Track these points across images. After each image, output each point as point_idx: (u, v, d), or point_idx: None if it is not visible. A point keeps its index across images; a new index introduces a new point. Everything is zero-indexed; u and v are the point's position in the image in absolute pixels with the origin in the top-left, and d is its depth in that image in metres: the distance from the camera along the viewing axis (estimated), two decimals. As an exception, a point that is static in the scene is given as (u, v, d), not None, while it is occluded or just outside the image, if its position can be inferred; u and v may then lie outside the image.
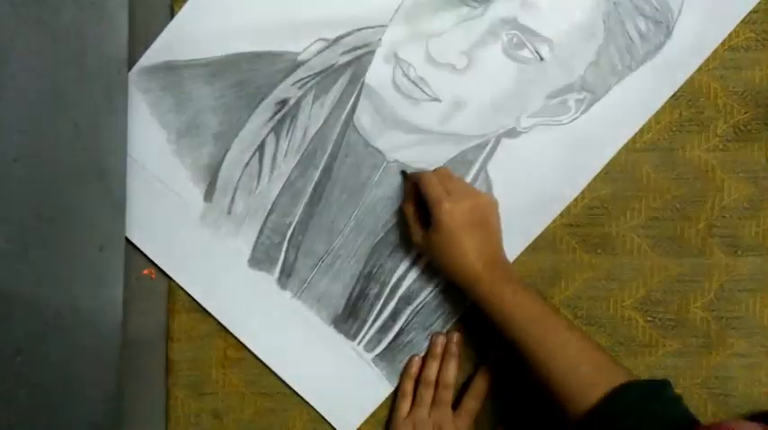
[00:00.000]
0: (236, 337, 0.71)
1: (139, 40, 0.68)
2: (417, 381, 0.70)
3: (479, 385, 0.69)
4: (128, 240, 0.68)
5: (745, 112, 0.69)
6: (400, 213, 0.69)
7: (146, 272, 0.70)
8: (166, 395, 0.71)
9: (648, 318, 0.70)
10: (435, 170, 0.67)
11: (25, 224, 0.64)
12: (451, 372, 0.69)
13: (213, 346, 0.71)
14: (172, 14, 0.69)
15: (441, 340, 0.70)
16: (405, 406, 0.69)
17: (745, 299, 0.70)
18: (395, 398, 0.71)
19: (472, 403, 0.69)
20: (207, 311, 0.71)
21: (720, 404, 0.71)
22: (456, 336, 0.70)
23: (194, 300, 0.70)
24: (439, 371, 0.69)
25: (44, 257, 0.64)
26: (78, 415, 0.65)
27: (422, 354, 0.71)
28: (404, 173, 0.69)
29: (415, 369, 0.70)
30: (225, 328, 0.71)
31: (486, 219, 0.65)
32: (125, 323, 0.67)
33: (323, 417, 0.71)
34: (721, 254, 0.70)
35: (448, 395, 0.69)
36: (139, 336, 0.70)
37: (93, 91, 0.65)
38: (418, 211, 0.66)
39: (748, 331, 0.70)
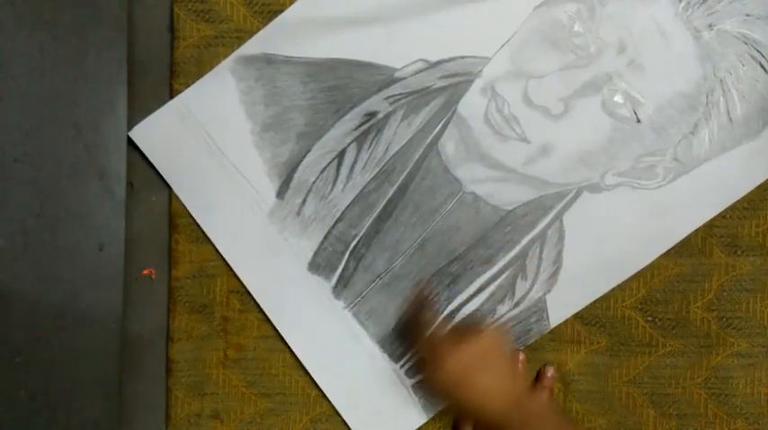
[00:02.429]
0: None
1: (139, 40, 0.68)
2: None
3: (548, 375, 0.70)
4: (126, 243, 0.68)
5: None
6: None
7: (146, 272, 0.70)
8: (166, 395, 0.71)
9: (648, 318, 0.70)
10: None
11: (25, 224, 0.64)
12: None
13: (213, 346, 0.71)
14: (172, 14, 0.69)
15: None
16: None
17: (745, 299, 0.70)
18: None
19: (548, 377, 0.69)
20: (205, 313, 0.71)
21: (720, 404, 0.71)
22: (521, 355, 0.69)
23: (195, 301, 0.70)
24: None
25: (44, 257, 0.64)
26: (78, 415, 0.65)
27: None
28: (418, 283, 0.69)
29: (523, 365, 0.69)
30: (225, 329, 0.71)
31: (486, 362, 0.64)
32: (125, 323, 0.67)
33: (327, 419, 0.71)
34: (721, 254, 0.70)
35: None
36: (139, 336, 0.70)
37: (93, 91, 0.65)
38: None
39: (748, 331, 0.70)
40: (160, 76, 0.69)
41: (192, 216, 0.70)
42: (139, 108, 0.69)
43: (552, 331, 0.70)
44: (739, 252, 0.70)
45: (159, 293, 0.71)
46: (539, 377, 0.70)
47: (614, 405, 0.71)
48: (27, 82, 0.63)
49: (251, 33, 0.69)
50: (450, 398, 0.64)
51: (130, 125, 0.68)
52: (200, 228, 0.70)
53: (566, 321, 0.70)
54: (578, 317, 0.70)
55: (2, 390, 0.64)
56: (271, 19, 0.68)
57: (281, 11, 0.68)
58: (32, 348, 0.64)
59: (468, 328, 0.66)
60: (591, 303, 0.70)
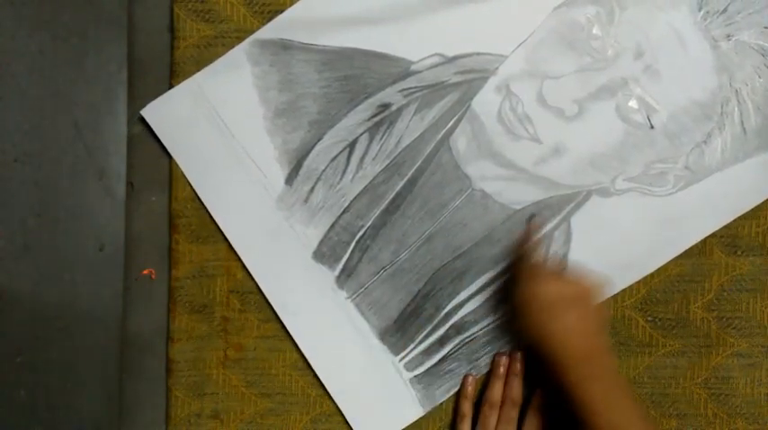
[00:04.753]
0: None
1: (139, 40, 0.68)
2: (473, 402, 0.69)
3: (539, 399, 0.68)
4: (127, 242, 0.68)
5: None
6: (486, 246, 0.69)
7: (146, 272, 0.70)
8: (166, 395, 0.71)
9: (648, 318, 0.70)
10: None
11: (25, 224, 0.64)
12: (518, 390, 0.68)
13: (213, 346, 0.71)
14: (172, 14, 0.69)
15: (504, 360, 0.69)
16: (466, 428, 0.69)
17: (745, 299, 0.70)
18: (454, 420, 0.70)
19: (536, 419, 0.68)
20: (205, 313, 0.71)
21: (720, 404, 0.71)
22: (519, 355, 0.69)
23: (195, 301, 0.70)
24: (505, 390, 0.68)
25: (44, 257, 0.64)
26: (78, 414, 0.65)
27: (470, 375, 0.70)
28: (532, 217, 0.68)
29: (470, 389, 0.69)
30: (225, 329, 0.71)
31: (579, 303, 0.63)
32: (125, 323, 0.68)
33: (327, 419, 0.71)
34: (721, 254, 0.70)
35: (515, 412, 0.68)
36: (139, 336, 0.70)
37: (93, 91, 0.65)
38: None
39: (748, 331, 0.70)
40: (160, 76, 0.69)
41: (192, 216, 0.70)
42: (139, 108, 0.69)
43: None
44: (739, 252, 0.70)
45: (159, 293, 0.71)
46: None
47: (614, 405, 0.71)
48: (27, 82, 0.63)
49: (251, 33, 0.69)
50: (537, 322, 0.62)
51: (131, 122, 0.68)
52: (201, 228, 0.70)
53: (566, 321, 0.70)
54: (578, 317, 0.70)
55: (2, 390, 0.64)
56: (271, 19, 0.69)
57: (282, 11, 0.68)
58: (32, 348, 0.64)
59: (575, 273, 0.66)
60: (591, 303, 0.70)
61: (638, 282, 0.70)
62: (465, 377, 0.69)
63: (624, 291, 0.70)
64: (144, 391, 0.71)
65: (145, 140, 0.69)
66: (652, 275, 0.70)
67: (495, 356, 0.69)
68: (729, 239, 0.69)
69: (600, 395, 0.60)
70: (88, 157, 0.65)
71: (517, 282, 0.64)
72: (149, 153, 0.70)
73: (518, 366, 0.69)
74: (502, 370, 0.69)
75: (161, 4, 0.69)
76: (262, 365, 0.71)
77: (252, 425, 0.71)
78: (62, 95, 0.64)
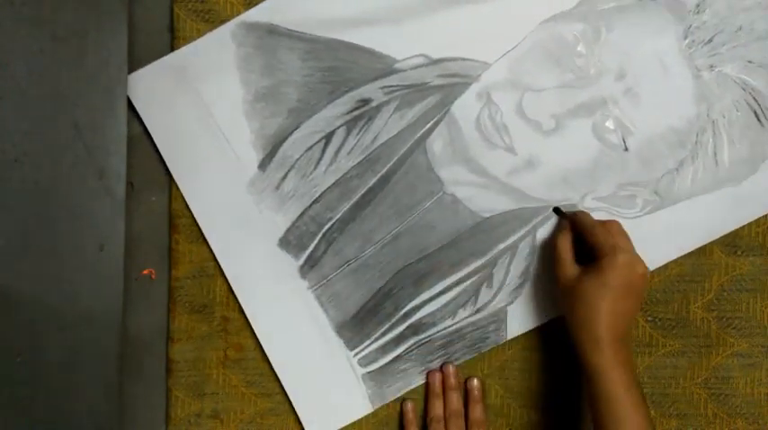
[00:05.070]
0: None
1: (139, 39, 0.68)
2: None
3: (475, 387, 0.70)
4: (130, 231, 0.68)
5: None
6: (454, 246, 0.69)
7: (146, 272, 0.70)
8: (166, 395, 0.71)
9: (648, 318, 0.70)
10: (606, 221, 0.65)
11: (25, 224, 0.64)
12: (458, 403, 0.69)
13: (213, 346, 0.71)
14: (172, 14, 0.69)
15: (438, 377, 0.70)
16: None
17: (745, 299, 0.70)
18: None
19: (478, 406, 0.69)
20: (205, 313, 0.71)
21: (720, 404, 0.71)
22: (452, 369, 0.70)
23: (195, 301, 0.70)
24: (446, 405, 0.69)
25: (44, 257, 0.64)
26: (78, 415, 0.65)
27: (407, 400, 0.71)
28: (558, 210, 0.68)
29: (411, 415, 0.70)
30: (225, 329, 0.71)
31: (641, 294, 0.63)
32: (125, 323, 0.67)
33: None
34: (721, 254, 0.70)
35: (462, 421, 0.69)
36: (139, 336, 0.70)
37: (93, 91, 0.65)
38: (574, 247, 0.65)
39: (748, 331, 0.70)
40: (160, 76, 0.69)
41: (192, 216, 0.70)
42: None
43: (553, 331, 0.70)
44: (739, 252, 0.70)
45: (159, 293, 0.71)
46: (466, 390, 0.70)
47: (614, 405, 0.71)
48: (27, 82, 0.63)
49: (251, 33, 0.69)
50: (592, 293, 0.61)
51: (131, 122, 0.68)
52: (200, 228, 0.70)
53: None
54: (578, 317, 0.70)
55: (2, 390, 0.64)
56: (271, 19, 0.69)
57: (281, 11, 0.69)
58: (32, 348, 0.64)
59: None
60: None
61: (638, 282, 0.70)
62: (403, 403, 0.70)
63: (624, 291, 0.70)
64: (144, 391, 0.71)
65: (145, 140, 0.69)
66: (652, 275, 0.70)
67: (428, 375, 0.70)
68: (729, 239, 0.70)
69: (628, 381, 0.60)
70: (88, 157, 0.65)
71: (604, 247, 0.62)
72: (149, 153, 0.70)
73: (453, 381, 0.69)
74: (438, 388, 0.70)
75: (161, 4, 0.69)
76: (262, 365, 0.71)
77: (252, 425, 0.71)
78: (62, 95, 0.64)
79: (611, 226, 0.65)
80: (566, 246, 0.65)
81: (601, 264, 0.61)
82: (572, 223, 0.66)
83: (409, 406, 0.70)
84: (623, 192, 0.68)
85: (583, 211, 0.67)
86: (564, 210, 0.68)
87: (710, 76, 0.66)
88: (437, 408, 0.69)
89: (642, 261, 0.62)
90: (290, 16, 0.68)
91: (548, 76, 0.67)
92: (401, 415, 0.70)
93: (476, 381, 0.70)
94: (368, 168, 0.69)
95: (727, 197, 0.68)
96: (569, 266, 0.64)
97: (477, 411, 0.69)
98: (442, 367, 0.70)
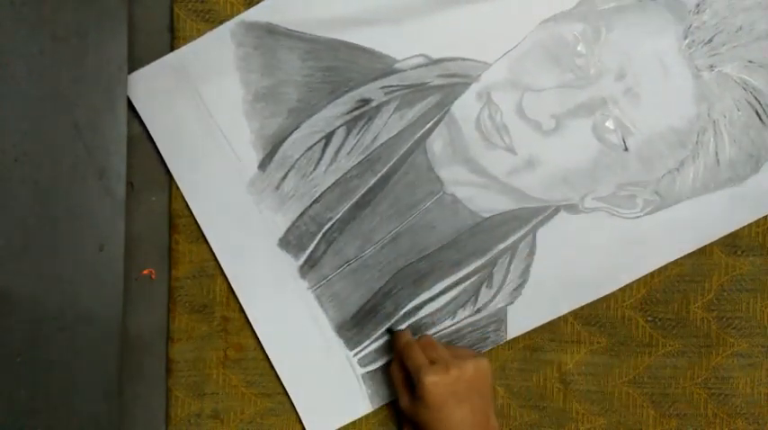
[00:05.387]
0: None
1: (139, 39, 0.68)
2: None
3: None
4: (128, 239, 0.68)
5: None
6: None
7: (146, 272, 0.70)
8: (166, 395, 0.71)
9: (648, 318, 0.70)
10: (419, 337, 0.67)
11: (25, 224, 0.64)
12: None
13: (213, 346, 0.71)
14: (172, 14, 0.69)
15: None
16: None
17: (745, 299, 0.70)
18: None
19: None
20: (205, 313, 0.71)
21: (720, 404, 0.71)
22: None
23: (195, 301, 0.70)
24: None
25: (44, 257, 0.64)
26: (78, 415, 0.65)
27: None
28: (390, 331, 0.69)
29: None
30: (225, 329, 0.71)
31: (475, 388, 0.63)
32: (125, 323, 0.67)
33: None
34: (721, 254, 0.70)
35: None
36: (139, 336, 0.70)
37: (93, 91, 0.65)
38: (407, 377, 0.65)
39: (748, 331, 0.70)
40: (160, 76, 0.69)
41: (192, 216, 0.70)
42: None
43: (552, 331, 0.70)
44: (739, 252, 0.70)
45: (159, 293, 0.71)
46: None
47: (614, 405, 0.71)
48: (27, 82, 0.63)
49: (251, 33, 0.69)
50: (424, 418, 0.63)
51: (131, 122, 0.68)
52: (200, 228, 0.70)
53: (565, 321, 0.70)
54: (578, 317, 0.70)
55: (2, 390, 0.63)
56: (271, 19, 0.69)
57: (281, 11, 0.69)
58: (32, 348, 0.64)
59: (460, 352, 0.66)
60: (591, 303, 0.70)
61: (639, 282, 0.70)
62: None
63: (624, 291, 0.70)
64: (144, 391, 0.71)
65: (145, 140, 0.69)
66: (652, 275, 0.70)
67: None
68: (729, 239, 0.70)
69: None
70: (88, 157, 0.65)
71: (412, 374, 0.64)
72: (149, 153, 0.70)
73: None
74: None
75: (161, 4, 0.69)
76: (262, 365, 0.71)
77: (252, 425, 0.71)
78: (62, 95, 0.64)
79: (423, 342, 0.65)
80: (398, 375, 0.66)
81: (418, 391, 0.62)
82: (397, 354, 0.66)
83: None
84: (623, 193, 0.68)
85: (399, 333, 0.68)
86: (394, 330, 0.69)
87: (711, 75, 0.66)
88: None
89: (453, 365, 0.62)
90: (290, 16, 0.68)
91: (548, 76, 0.67)
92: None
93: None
94: (368, 168, 0.69)
95: (727, 197, 0.68)
96: (403, 396, 0.65)
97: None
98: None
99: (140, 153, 0.69)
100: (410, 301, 0.70)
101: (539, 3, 0.67)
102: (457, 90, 0.68)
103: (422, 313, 0.70)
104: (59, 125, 0.64)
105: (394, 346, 0.68)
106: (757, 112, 0.67)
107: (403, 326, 0.70)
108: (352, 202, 0.70)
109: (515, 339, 0.71)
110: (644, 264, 0.69)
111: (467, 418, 0.62)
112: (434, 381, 0.62)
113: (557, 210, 0.69)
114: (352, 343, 0.71)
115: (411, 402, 0.64)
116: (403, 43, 0.68)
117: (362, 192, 0.69)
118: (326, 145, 0.69)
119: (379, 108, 0.69)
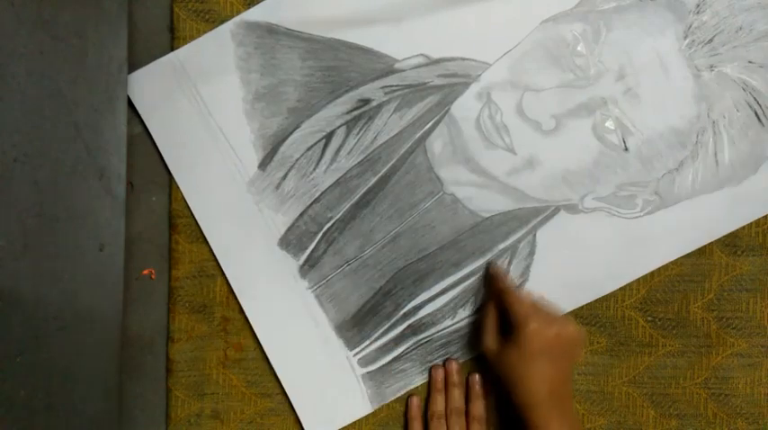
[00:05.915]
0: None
1: (139, 39, 0.68)
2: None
3: (477, 382, 0.70)
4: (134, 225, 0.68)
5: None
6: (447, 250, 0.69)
7: (146, 272, 0.70)
8: (166, 395, 0.71)
9: (648, 318, 0.70)
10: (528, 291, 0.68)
11: (25, 224, 0.64)
12: (460, 400, 0.69)
13: (213, 346, 0.71)
14: (172, 14, 0.69)
15: (441, 373, 0.70)
16: None
17: (745, 299, 0.70)
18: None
19: (479, 401, 0.69)
20: (205, 313, 0.71)
21: (720, 404, 0.71)
22: (455, 366, 0.70)
23: (195, 301, 0.70)
24: (447, 401, 0.69)
25: (44, 257, 0.64)
26: (78, 415, 0.65)
27: (413, 395, 0.71)
28: (490, 265, 0.69)
29: (416, 409, 0.70)
30: (225, 329, 0.71)
31: (568, 351, 0.64)
32: (125, 323, 0.67)
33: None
34: (721, 254, 0.70)
35: (462, 420, 0.69)
36: (139, 336, 0.70)
37: (93, 91, 0.65)
38: (498, 319, 0.66)
39: (748, 331, 0.70)
40: (160, 76, 0.69)
41: (192, 216, 0.70)
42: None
43: (552, 331, 0.70)
44: (739, 252, 0.70)
45: (159, 293, 0.71)
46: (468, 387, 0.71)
47: (614, 405, 0.71)
48: (27, 82, 0.63)
49: (251, 33, 0.69)
50: (510, 363, 0.63)
51: (131, 122, 0.68)
52: (200, 228, 0.70)
53: (566, 321, 0.70)
54: (578, 317, 0.70)
55: (2, 390, 0.63)
56: (271, 19, 0.69)
57: (281, 11, 0.69)
58: (32, 348, 0.64)
59: (556, 313, 0.66)
60: (591, 303, 0.70)
61: (638, 282, 0.70)
62: (409, 398, 0.70)
63: (624, 291, 0.70)
64: (144, 391, 0.71)
65: (145, 140, 0.70)
66: (652, 275, 0.70)
67: (431, 370, 0.70)
68: (729, 239, 0.70)
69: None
70: (88, 157, 0.65)
71: (514, 317, 0.64)
72: (149, 153, 0.70)
73: (456, 377, 0.70)
74: (441, 384, 0.70)
75: (161, 4, 0.69)
76: (262, 365, 0.71)
77: (252, 425, 0.71)
78: (62, 95, 0.64)
79: (531, 294, 0.66)
80: (491, 318, 0.66)
81: (516, 335, 0.63)
82: (498, 292, 0.67)
83: (415, 401, 0.70)
84: (623, 193, 0.68)
85: (503, 275, 0.68)
86: (494, 268, 0.69)
87: (710, 75, 0.66)
88: (439, 404, 0.69)
89: (558, 322, 0.63)
90: (290, 16, 0.68)
91: (548, 75, 0.67)
92: (407, 408, 0.70)
93: (477, 377, 0.70)
94: (368, 168, 0.69)
95: (727, 197, 0.68)
96: (493, 339, 0.66)
97: (477, 407, 0.69)
98: (445, 363, 0.70)
99: (140, 153, 0.69)
100: (410, 301, 0.70)
101: (539, 3, 0.67)
102: (457, 90, 0.68)
103: (422, 313, 0.70)
104: (59, 125, 0.64)
105: (493, 286, 0.68)
106: (756, 113, 0.67)
107: (403, 327, 0.70)
108: (352, 202, 0.70)
109: (515, 339, 0.71)
110: (644, 264, 0.69)
111: (553, 376, 0.62)
112: (537, 330, 0.62)
113: (557, 210, 0.69)
114: (351, 343, 0.71)
115: (500, 345, 0.65)
116: (403, 43, 0.68)
117: (362, 191, 0.69)
118: (326, 145, 0.69)
119: (379, 108, 0.69)
